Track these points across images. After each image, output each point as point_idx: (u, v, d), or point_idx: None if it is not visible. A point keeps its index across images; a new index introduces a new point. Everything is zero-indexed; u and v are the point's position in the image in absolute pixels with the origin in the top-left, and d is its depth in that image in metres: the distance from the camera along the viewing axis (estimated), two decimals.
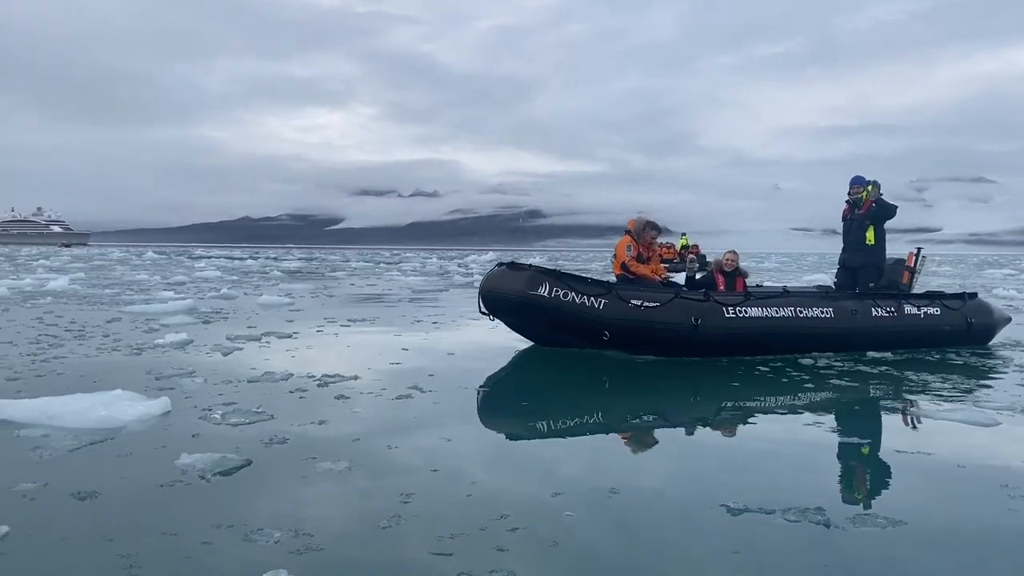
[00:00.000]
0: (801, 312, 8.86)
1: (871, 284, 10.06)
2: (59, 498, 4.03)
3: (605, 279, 9.40)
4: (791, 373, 8.10)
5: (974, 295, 10.45)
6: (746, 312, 8.56)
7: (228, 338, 10.44)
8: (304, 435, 5.39)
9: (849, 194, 10.47)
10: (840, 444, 5.49)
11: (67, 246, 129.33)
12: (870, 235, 10.21)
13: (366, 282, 27.80)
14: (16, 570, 3.15)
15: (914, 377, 8.03)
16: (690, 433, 5.86)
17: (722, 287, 9.54)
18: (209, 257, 58.96)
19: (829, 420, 6.16)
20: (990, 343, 10.43)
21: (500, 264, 9.21)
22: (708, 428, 6.00)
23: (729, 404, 6.80)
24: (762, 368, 8.30)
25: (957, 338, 9.90)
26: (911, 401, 6.83)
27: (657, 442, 5.57)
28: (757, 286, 10.52)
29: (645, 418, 6.28)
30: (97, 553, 3.33)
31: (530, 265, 8.90)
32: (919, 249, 10.56)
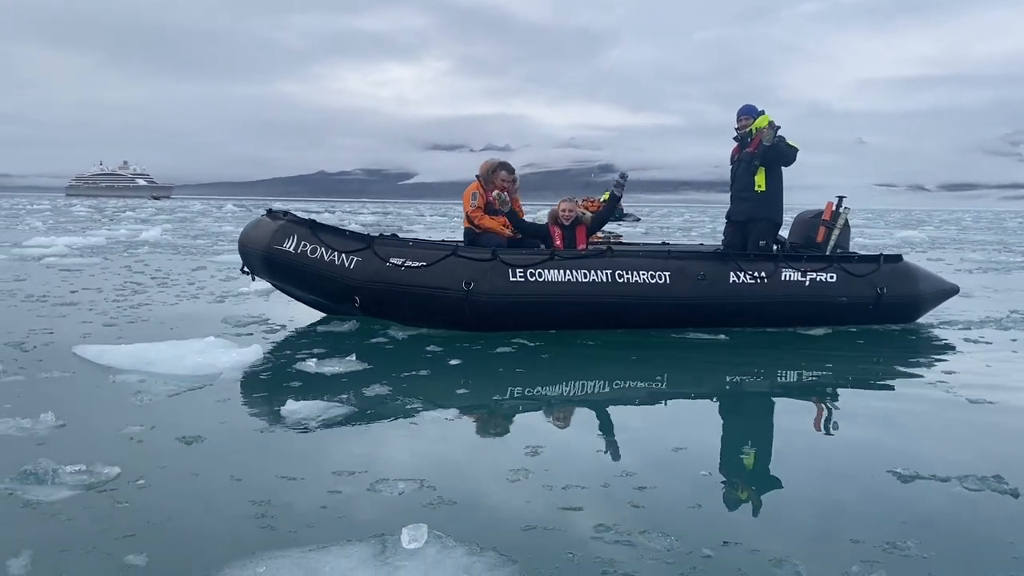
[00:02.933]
0: (622, 276, 7.05)
1: (762, 243, 7.86)
2: (166, 442, 3.98)
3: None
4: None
5: (896, 258, 8.08)
6: (540, 275, 6.92)
7: None
8: (405, 384, 5.24)
9: (736, 128, 8.13)
10: (975, 407, 4.99)
11: (156, 198, 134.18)
12: (760, 179, 7.86)
13: (442, 236, 27.73)
14: (140, 508, 3.13)
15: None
16: (824, 398, 5.48)
17: (558, 242, 7.67)
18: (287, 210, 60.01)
19: (950, 384, 5.64)
20: (918, 320, 8.20)
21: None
22: (838, 393, 5.64)
23: (850, 368, 6.44)
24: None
25: (860, 313, 7.75)
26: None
27: (777, 405, 5.25)
28: (665, 244, 8.71)
29: (760, 381, 5.99)
30: (226, 496, 3.27)
31: (285, 213, 7.53)
32: (840, 199, 8.24)
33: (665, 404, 5.19)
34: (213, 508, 3.13)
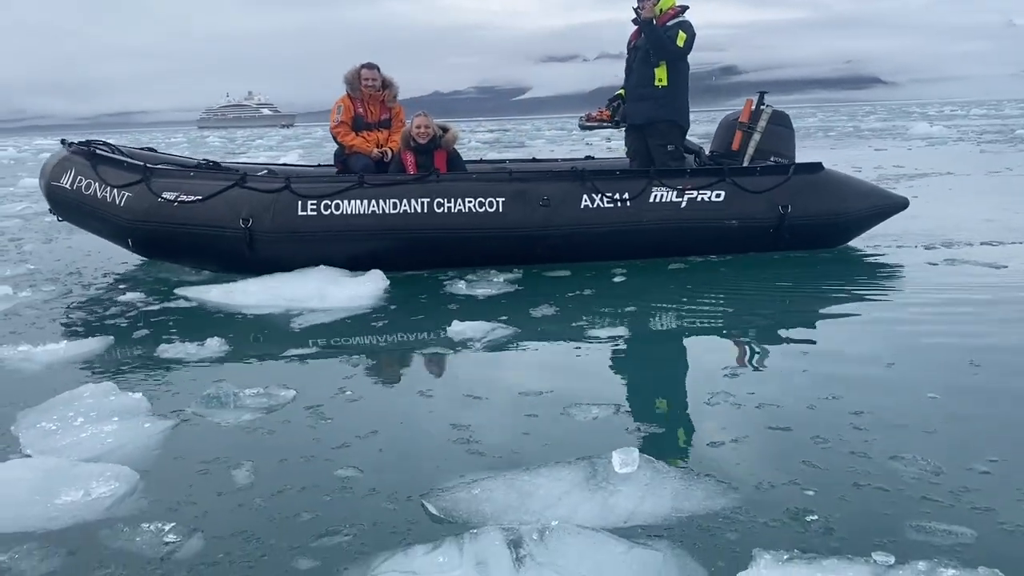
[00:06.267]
0: (442, 205, 6.07)
1: (670, 147, 6.73)
2: (338, 364, 4.09)
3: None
4: None
5: (813, 167, 6.66)
6: (337, 207, 6.02)
7: None
8: (571, 304, 5.13)
9: (635, 8, 6.67)
10: None
11: (285, 127, 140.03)
12: (661, 73, 6.62)
13: (564, 148, 27.20)
14: (342, 425, 3.21)
15: None
16: None
17: (412, 169, 6.59)
18: None
19: None
20: (847, 244, 6.86)
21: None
22: None
23: None
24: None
25: (757, 239, 6.49)
26: None
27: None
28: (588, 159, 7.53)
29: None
30: (422, 415, 3.32)
31: (72, 143, 6.75)
32: (761, 95, 6.91)
33: (879, 312, 4.81)
34: (412, 427, 3.20)
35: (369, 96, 7.02)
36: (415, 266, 6.17)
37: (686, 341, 4.43)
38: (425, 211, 6.05)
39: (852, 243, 6.81)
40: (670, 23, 6.58)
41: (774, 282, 5.82)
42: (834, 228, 6.69)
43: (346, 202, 6.03)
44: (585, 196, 6.23)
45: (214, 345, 4.22)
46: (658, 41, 6.54)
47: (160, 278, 6.25)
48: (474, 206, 6.10)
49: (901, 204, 6.96)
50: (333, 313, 5.04)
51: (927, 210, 8.45)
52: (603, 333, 4.41)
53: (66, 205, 6.51)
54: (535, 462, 2.75)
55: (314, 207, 5.99)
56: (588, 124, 7.28)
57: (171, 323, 4.88)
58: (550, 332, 4.53)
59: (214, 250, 6.17)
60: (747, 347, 4.28)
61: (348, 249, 6.05)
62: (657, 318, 4.84)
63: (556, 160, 8.02)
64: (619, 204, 6.23)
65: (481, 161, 8.32)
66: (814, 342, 4.27)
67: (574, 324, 4.64)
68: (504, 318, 4.71)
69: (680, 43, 6.53)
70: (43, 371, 3.94)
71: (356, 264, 5.99)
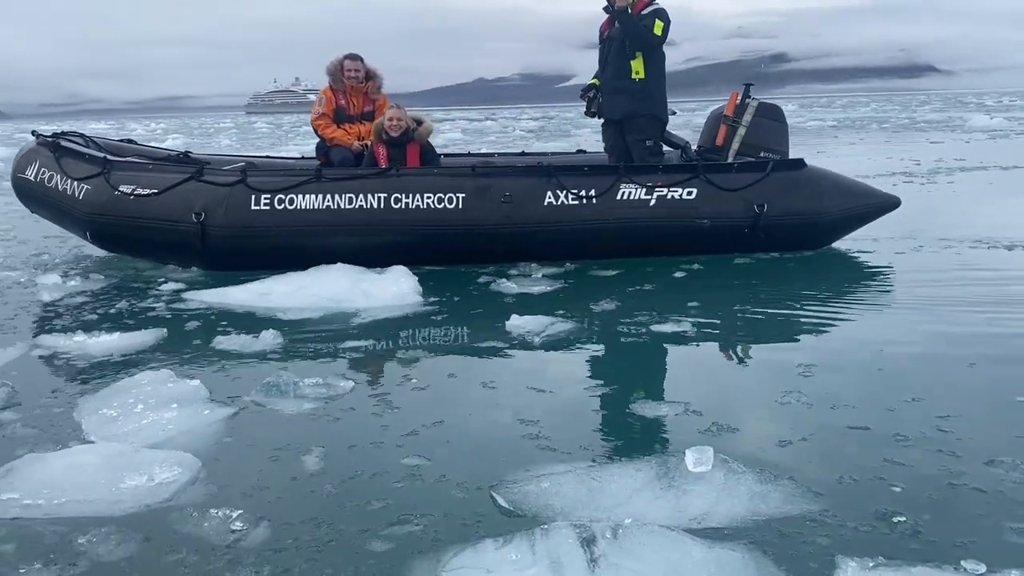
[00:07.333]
0: (400, 201, 5.89)
1: (648, 143, 6.56)
2: (395, 358, 4.10)
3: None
4: None
5: (795, 164, 6.33)
6: (292, 202, 5.88)
7: None
8: (633, 300, 5.06)
9: None
10: None
11: None
12: (637, 66, 6.43)
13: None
14: (407, 415, 3.22)
15: None
16: None
17: (383, 162, 6.47)
18: (451, 120, 60.58)
19: None
20: (829, 246, 6.55)
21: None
22: None
23: None
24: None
25: (731, 239, 6.22)
26: None
27: None
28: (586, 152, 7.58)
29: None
30: (488, 408, 3.30)
31: (40, 136, 6.79)
32: (746, 87, 6.69)
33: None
34: (478, 418, 3.21)
35: (352, 88, 6.99)
36: (370, 263, 5.74)
37: (753, 338, 4.34)
38: (382, 207, 5.91)
39: (920, 242, 6.58)
40: (645, 11, 6.40)
41: (843, 280, 5.67)
42: (814, 229, 6.37)
43: (301, 196, 5.92)
44: (549, 193, 6.05)
45: (268, 337, 4.23)
46: (634, 31, 6.35)
47: (207, 271, 6.23)
48: (433, 202, 5.94)
49: (891, 204, 6.61)
50: (381, 310, 4.96)
51: (995, 206, 8.20)
52: (666, 329, 4.33)
53: (31, 197, 6.59)
54: (604, 457, 2.74)
55: (267, 202, 5.89)
56: None
57: (217, 315, 4.86)
58: (610, 327, 4.49)
59: (168, 244, 6.12)
60: (818, 345, 4.17)
61: (302, 245, 5.90)
62: (722, 315, 4.74)
63: (548, 154, 7.93)
64: (585, 201, 6.04)
65: (468, 155, 8.24)
66: (888, 341, 4.12)
67: (635, 319, 4.57)
68: (561, 312, 4.67)
69: (658, 32, 6.36)
70: (99, 359, 3.99)
71: (308, 261, 5.70)
